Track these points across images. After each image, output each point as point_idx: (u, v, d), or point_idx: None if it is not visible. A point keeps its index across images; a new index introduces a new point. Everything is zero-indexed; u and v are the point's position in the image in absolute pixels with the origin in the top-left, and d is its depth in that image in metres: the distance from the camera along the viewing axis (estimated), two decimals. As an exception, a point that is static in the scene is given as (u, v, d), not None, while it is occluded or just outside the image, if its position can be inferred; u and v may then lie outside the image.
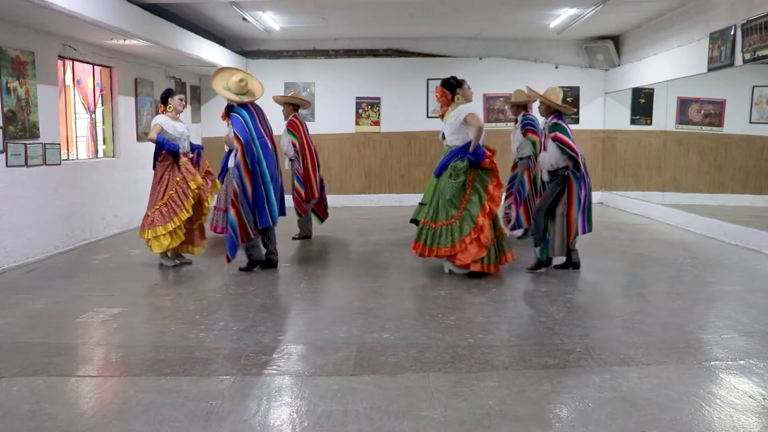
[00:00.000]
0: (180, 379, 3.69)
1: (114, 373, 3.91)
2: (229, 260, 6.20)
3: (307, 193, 8.20)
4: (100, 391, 3.60)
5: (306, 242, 8.32)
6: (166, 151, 6.53)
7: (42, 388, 3.59)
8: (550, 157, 6.25)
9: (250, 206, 6.15)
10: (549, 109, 6.39)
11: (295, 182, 8.13)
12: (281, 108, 8.36)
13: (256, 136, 6.21)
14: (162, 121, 6.55)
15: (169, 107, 6.65)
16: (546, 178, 6.46)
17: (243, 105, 6.26)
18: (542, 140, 6.61)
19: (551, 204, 6.30)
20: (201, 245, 6.86)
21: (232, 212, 6.13)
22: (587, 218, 6.33)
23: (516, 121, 8.18)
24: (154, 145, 6.56)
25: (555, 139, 6.16)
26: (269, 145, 6.35)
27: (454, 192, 6.00)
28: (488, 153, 6.06)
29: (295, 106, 8.34)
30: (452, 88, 6.14)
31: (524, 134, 7.92)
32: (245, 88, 6.27)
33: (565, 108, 6.42)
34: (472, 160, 5.97)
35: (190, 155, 6.76)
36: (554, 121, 6.27)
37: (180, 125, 6.68)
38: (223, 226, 8.39)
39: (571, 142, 6.14)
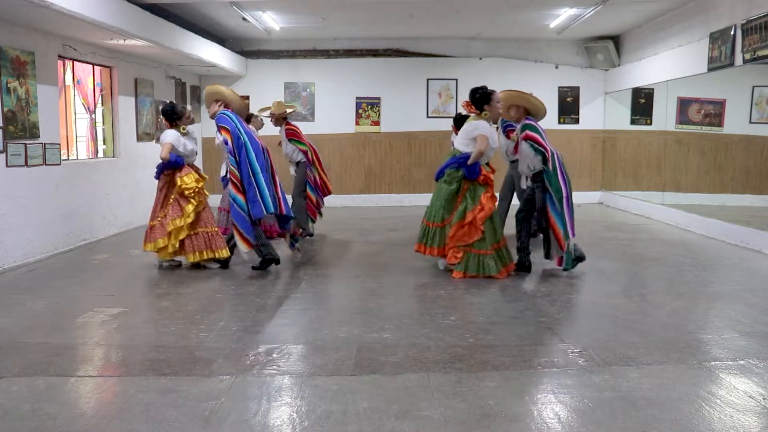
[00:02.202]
0: (180, 379, 3.69)
1: (114, 373, 3.91)
2: (250, 244, 6.19)
3: (319, 201, 8.40)
4: (100, 391, 3.60)
5: (307, 242, 8.32)
6: (180, 166, 6.50)
7: (42, 388, 3.59)
8: (525, 159, 6.25)
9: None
10: (519, 112, 6.34)
11: (308, 189, 8.21)
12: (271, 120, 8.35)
13: (243, 131, 6.34)
14: (173, 139, 6.45)
15: (183, 128, 6.58)
16: (525, 185, 6.45)
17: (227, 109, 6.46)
18: (516, 145, 6.58)
19: (530, 207, 6.31)
20: (221, 249, 6.59)
21: (238, 195, 6.16)
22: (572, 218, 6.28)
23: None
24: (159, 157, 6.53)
25: (526, 138, 6.15)
26: (256, 140, 6.46)
27: (447, 196, 6.12)
28: (484, 171, 6.08)
29: (283, 117, 8.26)
30: (478, 103, 6.10)
31: (507, 136, 7.91)
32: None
33: (539, 108, 6.34)
34: (466, 174, 6.03)
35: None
36: (525, 122, 6.28)
37: (190, 143, 6.62)
38: (226, 226, 8.41)
39: (539, 138, 6.10)
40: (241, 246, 6.22)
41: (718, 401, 3.33)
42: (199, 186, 6.53)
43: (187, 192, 6.42)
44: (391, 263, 6.94)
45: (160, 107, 7.02)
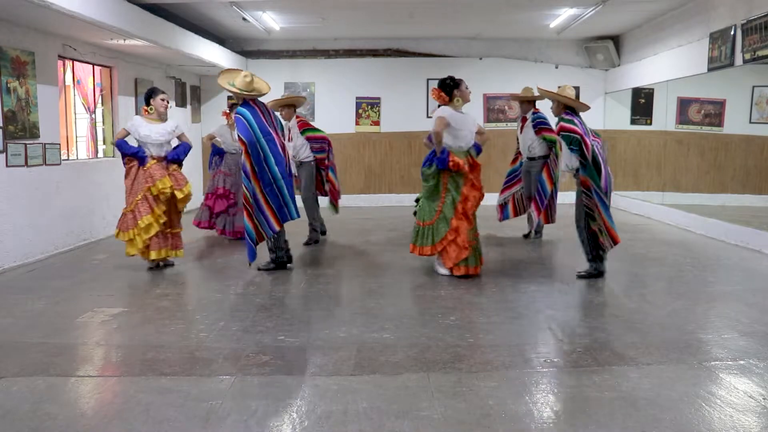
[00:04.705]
0: (180, 379, 3.69)
1: (114, 373, 3.91)
2: (250, 264, 6.33)
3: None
4: (100, 391, 3.60)
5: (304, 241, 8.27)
6: (128, 155, 6.30)
7: (42, 388, 3.59)
8: (564, 158, 6.03)
9: (261, 209, 6.09)
10: (559, 107, 6.10)
11: (331, 176, 8.04)
12: (281, 113, 7.97)
13: (262, 135, 6.07)
14: (130, 124, 6.34)
15: (151, 109, 6.35)
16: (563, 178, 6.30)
17: (246, 104, 6.18)
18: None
19: (587, 214, 5.96)
20: (181, 248, 6.65)
21: (245, 217, 6.11)
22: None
23: (524, 119, 8.08)
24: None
25: (561, 131, 5.88)
26: (277, 142, 6.21)
27: (428, 194, 6.09)
28: (455, 158, 5.95)
29: (294, 107, 8.11)
30: (449, 88, 6.10)
31: (537, 133, 7.86)
32: (251, 85, 6.17)
33: (580, 105, 6.17)
34: (438, 166, 5.99)
35: (162, 161, 6.37)
36: (563, 116, 6.00)
37: (157, 128, 6.32)
38: (201, 219, 8.32)
39: (573, 126, 5.81)
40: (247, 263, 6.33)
41: (718, 401, 3.33)
42: (173, 192, 6.30)
43: (162, 196, 6.26)
44: (391, 263, 6.94)
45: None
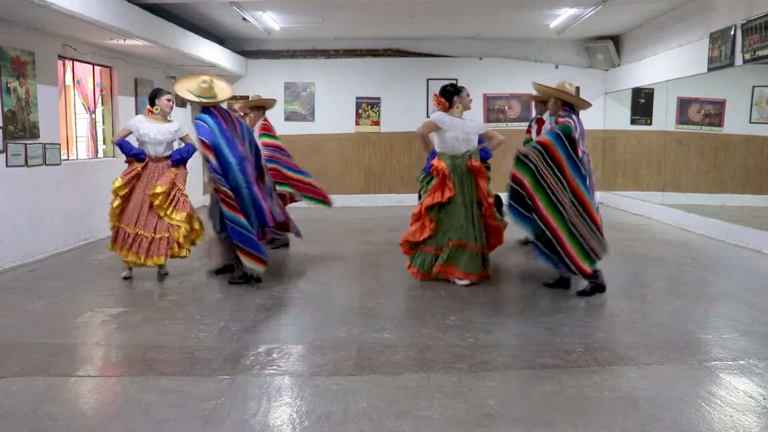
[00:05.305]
0: (180, 379, 3.69)
1: (114, 373, 3.91)
2: (265, 263, 5.78)
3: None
4: (100, 391, 3.60)
5: (305, 242, 8.23)
6: (130, 156, 6.17)
7: (42, 388, 3.59)
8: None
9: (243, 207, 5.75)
10: (557, 105, 5.78)
11: (300, 176, 7.63)
12: (250, 115, 7.61)
13: (224, 142, 5.75)
14: (131, 123, 6.25)
15: (156, 108, 6.24)
16: None
17: (207, 111, 5.90)
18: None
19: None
20: (159, 256, 6.06)
21: (239, 217, 5.67)
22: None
23: (540, 120, 7.91)
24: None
25: (557, 124, 5.61)
26: (240, 150, 5.90)
27: (419, 198, 6.19)
28: (436, 162, 5.89)
29: (264, 109, 7.79)
30: (448, 94, 6.06)
31: None
32: (210, 91, 5.90)
33: (580, 101, 5.83)
34: (424, 170, 6.08)
35: (163, 162, 6.18)
36: (560, 113, 5.72)
37: (158, 127, 6.18)
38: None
39: (569, 120, 5.55)
40: (255, 266, 5.74)
41: (718, 401, 3.33)
42: (121, 193, 6.04)
43: (112, 190, 6.10)
44: (391, 263, 6.93)
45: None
